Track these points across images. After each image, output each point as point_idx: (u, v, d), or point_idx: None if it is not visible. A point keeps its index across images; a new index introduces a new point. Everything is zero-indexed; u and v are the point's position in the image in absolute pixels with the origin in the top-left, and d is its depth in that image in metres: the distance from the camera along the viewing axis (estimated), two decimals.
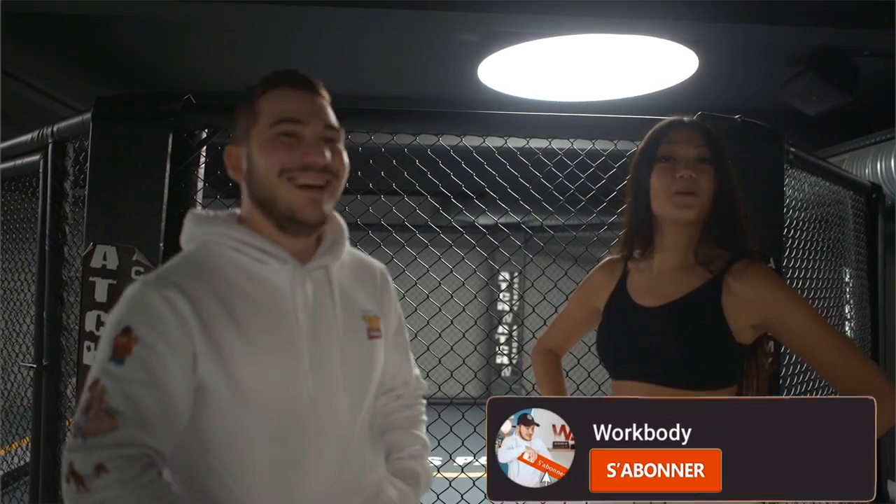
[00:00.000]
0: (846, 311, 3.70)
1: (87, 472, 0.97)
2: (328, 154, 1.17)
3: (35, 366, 2.47)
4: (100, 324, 2.18)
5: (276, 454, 1.15)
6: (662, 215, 1.49)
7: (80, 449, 0.99)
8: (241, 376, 1.11)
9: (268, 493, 1.15)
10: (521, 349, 8.62)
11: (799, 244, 2.97)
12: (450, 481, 2.46)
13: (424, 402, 1.48)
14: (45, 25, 3.93)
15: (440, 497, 2.40)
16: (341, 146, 1.21)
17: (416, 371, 1.48)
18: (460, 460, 2.64)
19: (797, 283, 2.84)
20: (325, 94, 1.23)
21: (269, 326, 1.15)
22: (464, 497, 2.43)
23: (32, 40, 3.93)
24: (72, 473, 0.99)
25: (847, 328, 3.71)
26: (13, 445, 3.10)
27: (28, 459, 2.61)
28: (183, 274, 1.14)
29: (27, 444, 2.65)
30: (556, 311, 2.72)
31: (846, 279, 3.69)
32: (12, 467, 3.15)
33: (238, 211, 1.25)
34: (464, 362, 2.97)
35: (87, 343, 2.18)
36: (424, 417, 1.47)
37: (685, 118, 1.55)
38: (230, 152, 1.22)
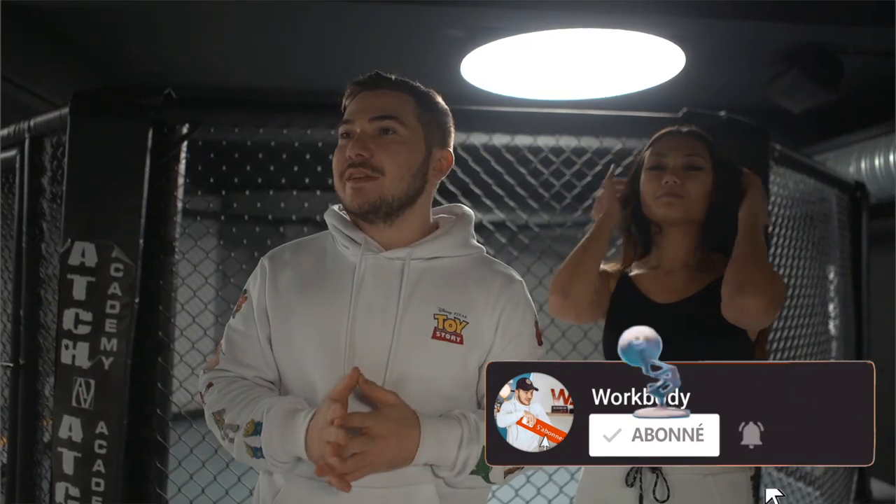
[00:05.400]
0: (830, 308, 3.72)
1: (202, 390, 1.32)
2: (372, 147, 1.23)
3: (12, 364, 2.43)
4: (78, 322, 2.14)
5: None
6: (653, 217, 1.54)
7: (201, 375, 1.34)
8: (294, 335, 1.25)
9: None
10: None
11: (784, 241, 2.98)
12: None
13: None
14: (21, 18, 3.87)
15: None
16: (398, 136, 1.24)
17: None
18: None
19: None
20: (392, 85, 1.28)
21: (327, 301, 1.25)
22: None
23: (8, 32, 3.87)
24: (199, 393, 1.33)
25: (831, 326, 3.72)
26: None
27: (5, 461, 2.57)
28: (286, 249, 1.34)
29: (3, 445, 2.60)
30: (540, 308, 2.72)
31: (830, 277, 3.71)
32: None
33: None
34: None
35: (64, 341, 2.14)
36: None
37: (683, 129, 1.58)
38: None
